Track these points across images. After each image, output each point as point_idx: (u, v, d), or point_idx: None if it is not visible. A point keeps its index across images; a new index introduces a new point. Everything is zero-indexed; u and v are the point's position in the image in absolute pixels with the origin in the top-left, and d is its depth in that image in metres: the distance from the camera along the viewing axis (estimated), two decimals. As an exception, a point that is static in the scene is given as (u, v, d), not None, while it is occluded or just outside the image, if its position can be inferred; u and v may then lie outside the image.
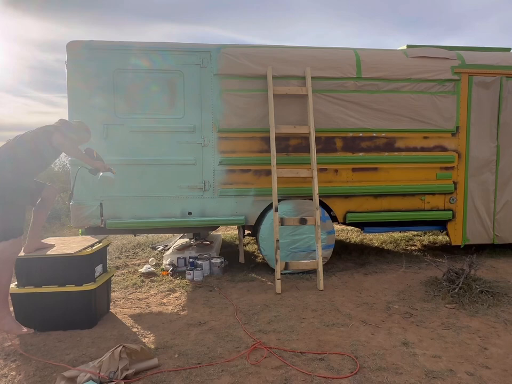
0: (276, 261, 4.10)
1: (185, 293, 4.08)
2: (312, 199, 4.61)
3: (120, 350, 2.52)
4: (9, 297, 3.18)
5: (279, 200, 4.56)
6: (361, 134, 4.65)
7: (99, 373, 2.38)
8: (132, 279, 4.51)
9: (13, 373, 2.63)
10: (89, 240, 3.62)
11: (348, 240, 6.46)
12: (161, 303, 3.81)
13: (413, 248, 5.89)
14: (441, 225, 5.04)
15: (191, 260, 4.76)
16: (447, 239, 5.45)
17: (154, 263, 5.11)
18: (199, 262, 4.63)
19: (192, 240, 5.64)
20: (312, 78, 4.50)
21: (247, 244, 6.17)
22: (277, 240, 4.13)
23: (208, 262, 4.68)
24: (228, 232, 7.26)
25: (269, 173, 4.48)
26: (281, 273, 4.57)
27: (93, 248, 3.36)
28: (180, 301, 3.88)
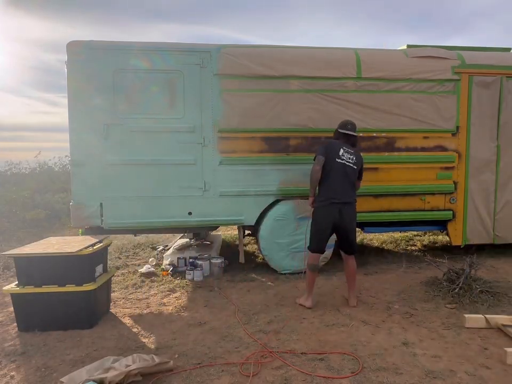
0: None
1: (185, 293, 4.08)
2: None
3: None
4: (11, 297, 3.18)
5: (279, 200, 4.57)
6: (361, 134, 4.63)
7: None
8: (132, 279, 4.51)
9: (13, 373, 2.63)
10: (90, 239, 3.61)
11: (348, 240, 6.45)
12: (161, 303, 3.81)
13: (413, 248, 5.89)
14: (441, 225, 5.03)
15: (191, 260, 4.76)
16: (447, 239, 5.44)
17: (154, 263, 5.10)
18: (199, 262, 4.62)
19: (192, 240, 5.64)
20: (312, 78, 4.49)
21: (247, 244, 6.17)
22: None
23: (208, 262, 4.67)
24: (228, 232, 7.26)
25: (268, 173, 4.49)
26: (281, 273, 4.59)
27: (94, 247, 3.36)
28: (180, 301, 3.87)
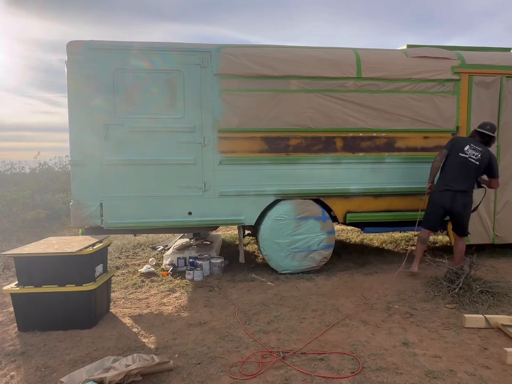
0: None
1: (185, 293, 4.08)
2: (312, 199, 4.62)
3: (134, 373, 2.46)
4: (10, 297, 3.17)
5: (278, 200, 4.57)
6: (361, 134, 4.64)
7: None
8: (132, 279, 4.51)
9: (13, 373, 2.63)
10: (90, 239, 3.62)
11: (348, 240, 6.46)
12: (161, 303, 3.81)
13: (413, 248, 5.88)
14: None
15: (191, 260, 4.76)
16: (447, 239, 5.45)
17: (154, 263, 5.11)
18: (199, 262, 4.63)
19: (192, 240, 5.64)
20: (312, 77, 4.50)
21: (247, 244, 6.17)
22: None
23: (208, 262, 4.67)
24: (228, 232, 7.26)
25: (268, 173, 4.49)
26: (281, 273, 4.59)
27: (94, 247, 3.36)
28: (180, 301, 3.87)
